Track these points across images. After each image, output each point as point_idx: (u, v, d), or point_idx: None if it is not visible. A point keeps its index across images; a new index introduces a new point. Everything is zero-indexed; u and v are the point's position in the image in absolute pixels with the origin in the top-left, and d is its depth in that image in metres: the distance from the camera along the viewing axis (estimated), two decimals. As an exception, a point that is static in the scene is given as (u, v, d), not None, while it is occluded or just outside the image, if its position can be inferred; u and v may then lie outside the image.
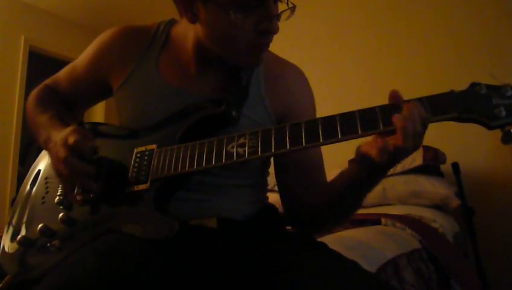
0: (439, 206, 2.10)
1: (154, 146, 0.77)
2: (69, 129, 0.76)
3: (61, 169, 0.73)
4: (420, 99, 0.60)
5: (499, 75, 0.62)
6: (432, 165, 2.23)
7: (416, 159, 2.18)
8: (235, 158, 0.68)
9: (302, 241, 0.80)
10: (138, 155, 0.78)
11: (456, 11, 2.56)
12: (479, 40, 2.43)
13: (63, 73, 1.00)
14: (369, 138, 0.64)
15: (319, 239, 0.88)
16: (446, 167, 2.26)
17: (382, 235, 1.45)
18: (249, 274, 0.71)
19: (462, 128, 0.62)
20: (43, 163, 0.93)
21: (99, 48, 0.93)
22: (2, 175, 3.37)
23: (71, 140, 0.72)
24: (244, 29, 0.74)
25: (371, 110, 0.62)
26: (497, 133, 0.58)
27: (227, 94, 0.80)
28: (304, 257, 0.69)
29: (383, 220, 1.70)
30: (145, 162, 0.76)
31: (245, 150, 0.67)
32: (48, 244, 0.77)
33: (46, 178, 0.89)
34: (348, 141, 0.63)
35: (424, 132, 0.60)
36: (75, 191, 0.74)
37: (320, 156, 0.89)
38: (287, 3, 0.76)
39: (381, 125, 0.60)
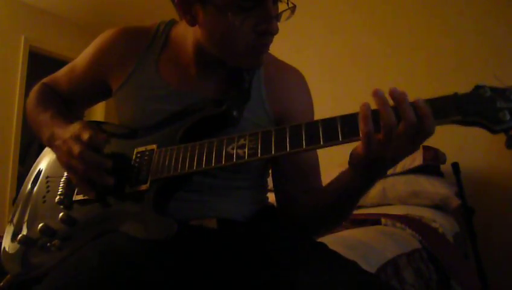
0: (439, 206, 2.10)
1: (154, 146, 0.77)
2: (78, 125, 0.76)
3: (75, 164, 0.73)
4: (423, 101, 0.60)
5: (503, 77, 0.61)
6: (432, 165, 2.22)
7: (416, 159, 2.18)
8: (234, 160, 0.68)
9: (302, 241, 0.79)
10: (138, 155, 0.78)
11: (458, 12, 2.55)
12: (482, 41, 2.43)
13: (61, 73, 0.99)
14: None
15: (319, 239, 0.88)
16: (446, 167, 2.26)
17: (382, 235, 1.45)
18: (249, 274, 0.71)
19: (462, 129, 0.61)
20: (44, 162, 0.93)
21: (99, 48, 0.93)
22: (2, 175, 3.37)
23: (85, 136, 0.73)
24: (243, 30, 0.73)
25: (372, 112, 0.61)
26: (498, 133, 0.58)
27: (228, 95, 0.80)
28: (304, 258, 0.69)
29: (383, 220, 1.70)
30: (145, 162, 0.76)
31: (245, 152, 0.67)
32: (48, 243, 0.77)
33: (47, 177, 0.89)
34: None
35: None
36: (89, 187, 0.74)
37: (317, 159, 0.89)
38: (287, 3, 0.75)
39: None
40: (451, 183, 2.16)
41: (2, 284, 0.80)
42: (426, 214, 1.92)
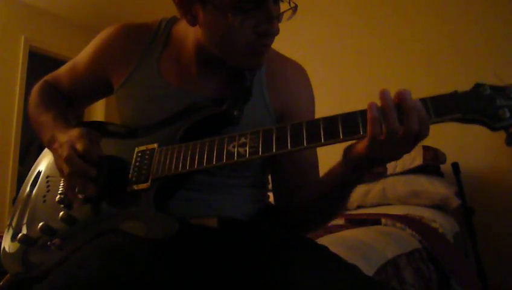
0: (439, 206, 2.10)
1: (155, 145, 0.77)
2: (76, 132, 0.76)
3: (63, 168, 0.73)
4: (423, 100, 0.60)
5: (503, 75, 0.61)
6: (432, 165, 2.23)
7: (416, 159, 2.18)
8: (235, 158, 0.68)
9: (303, 241, 0.79)
10: (139, 154, 0.78)
11: (458, 11, 2.55)
12: (482, 40, 2.43)
13: (63, 70, 0.99)
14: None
15: (320, 240, 0.87)
16: (446, 167, 2.26)
17: (382, 235, 1.45)
18: (249, 274, 0.71)
19: (462, 129, 0.61)
20: (43, 163, 0.93)
21: (100, 45, 0.92)
22: (2, 175, 3.37)
23: (80, 146, 0.73)
24: (243, 31, 0.73)
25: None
26: (498, 133, 0.58)
27: (229, 94, 0.80)
28: (304, 258, 0.69)
29: (383, 220, 1.70)
30: (146, 161, 0.76)
31: (246, 150, 0.67)
32: (49, 243, 0.76)
33: (47, 177, 0.89)
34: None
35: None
36: (76, 190, 0.74)
37: (317, 158, 0.89)
38: (289, 3, 0.75)
39: (383, 125, 0.60)
40: (451, 183, 2.16)
41: (1, 283, 0.80)
42: (426, 214, 1.92)
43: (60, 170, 0.76)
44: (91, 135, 0.77)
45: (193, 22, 0.77)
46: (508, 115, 0.56)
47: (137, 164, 0.77)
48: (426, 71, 2.58)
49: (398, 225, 1.66)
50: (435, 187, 2.11)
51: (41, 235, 0.78)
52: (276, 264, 0.69)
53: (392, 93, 0.60)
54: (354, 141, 0.64)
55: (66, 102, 0.97)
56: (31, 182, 0.92)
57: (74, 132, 0.76)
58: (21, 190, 0.93)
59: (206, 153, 0.71)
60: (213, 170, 0.78)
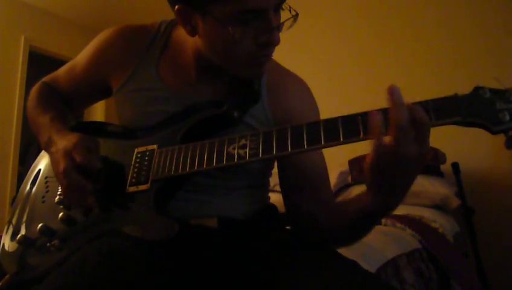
0: (439, 206, 2.10)
1: (154, 146, 0.77)
2: (74, 139, 0.75)
3: (61, 179, 0.74)
4: (424, 103, 0.60)
5: (503, 77, 0.61)
6: (432, 165, 2.23)
7: (416, 159, 2.17)
8: (236, 160, 0.68)
9: (302, 241, 0.79)
10: (139, 155, 0.78)
11: (459, 14, 2.56)
12: (482, 43, 2.43)
13: (62, 71, 0.99)
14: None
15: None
16: (446, 167, 2.26)
17: (382, 235, 1.45)
18: (249, 274, 0.71)
19: (462, 129, 0.61)
20: (43, 162, 0.93)
21: (99, 47, 0.92)
22: (2, 175, 3.37)
23: (78, 159, 0.72)
24: (244, 43, 0.72)
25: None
26: (497, 134, 0.58)
27: (231, 96, 0.79)
28: (304, 257, 0.69)
29: (383, 220, 1.70)
30: (145, 163, 0.76)
31: (246, 152, 0.67)
32: (48, 244, 0.76)
33: (46, 177, 0.89)
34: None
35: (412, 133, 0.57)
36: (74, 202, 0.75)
37: (326, 169, 0.86)
38: (290, 11, 0.73)
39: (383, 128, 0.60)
40: (451, 183, 2.16)
41: (1, 284, 0.80)
42: (426, 214, 1.93)
43: (57, 177, 0.75)
44: (89, 142, 0.76)
45: (193, 33, 0.76)
46: (507, 118, 0.56)
47: (136, 165, 0.77)
48: (427, 73, 2.59)
49: (398, 225, 1.66)
50: (435, 187, 2.11)
51: (40, 236, 0.78)
52: (275, 263, 0.69)
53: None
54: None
55: (65, 103, 0.97)
56: (31, 180, 0.92)
57: (72, 138, 0.76)
58: (21, 188, 0.93)
59: (206, 154, 0.70)
60: (213, 172, 0.78)
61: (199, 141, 0.73)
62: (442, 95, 0.60)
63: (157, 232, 0.68)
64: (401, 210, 1.94)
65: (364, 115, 0.61)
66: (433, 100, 0.60)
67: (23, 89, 3.55)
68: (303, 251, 0.72)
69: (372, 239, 1.35)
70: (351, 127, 0.62)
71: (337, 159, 2.24)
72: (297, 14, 0.73)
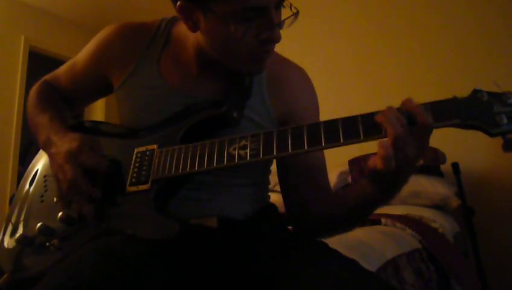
0: (439, 206, 2.10)
1: (154, 146, 0.77)
2: (75, 142, 0.75)
3: (63, 183, 0.74)
4: (424, 105, 0.60)
5: (501, 80, 0.61)
6: (432, 165, 2.23)
7: (416, 159, 2.17)
8: (236, 160, 0.68)
9: (303, 240, 0.79)
10: (139, 155, 0.78)
11: (459, 16, 2.56)
12: (482, 44, 2.44)
13: (62, 69, 0.99)
14: (372, 145, 0.63)
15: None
16: (446, 167, 2.26)
17: (382, 235, 1.45)
18: (249, 274, 0.71)
19: (462, 129, 0.62)
20: (41, 162, 0.93)
21: (100, 45, 0.92)
22: (2, 175, 3.37)
23: (86, 161, 0.73)
24: (245, 40, 0.72)
25: (373, 114, 0.62)
26: (495, 137, 0.59)
27: (228, 95, 0.80)
28: (304, 256, 0.69)
29: (383, 220, 1.70)
30: (145, 162, 0.76)
31: (247, 152, 0.67)
32: (47, 243, 0.76)
33: (44, 176, 0.89)
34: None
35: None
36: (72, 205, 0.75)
37: (324, 159, 0.88)
38: (290, 8, 0.74)
39: (383, 130, 0.60)
40: (451, 183, 2.16)
41: None
42: (426, 214, 1.92)
43: (56, 179, 0.76)
44: (92, 142, 0.77)
45: (194, 29, 0.77)
46: (505, 121, 0.57)
47: (136, 164, 0.77)
48: (427, 75, 2.59)
49: (398, 225, 1.66)
50: (435, 187, 2.11)
51: (39, 235, 0.78)
52: (275, 263, 0.69)
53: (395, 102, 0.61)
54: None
55: (65, 102, 0.97)
56: (29, 180, 0.92)
57: (73, 139, 0.76)
58: (19, 188, 0.93)
59: (206, 155, 0.71)
60: (213, 171, 0.78)
61: (199, 140, 0.73)
62: (442, 96, 0.61)
63: (157, 232, 0.68)
64: (401, 210, 1.94)
65: (365, 117, 0.62)
66: (433, 103, 0.60)
67: (23, 89, 3.56)
68: (303, 251, 0.72)
69: (372, 239, 1.36)
70: (351, 128, 0.62)
71: (337, 159, 2.23)
72: (298, 12, 0.74)
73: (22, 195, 0.90)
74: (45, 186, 0.87)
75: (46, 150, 0.82)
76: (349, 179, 2.43)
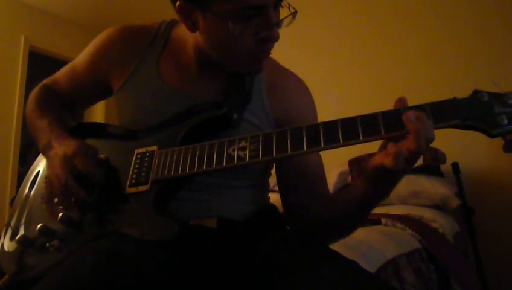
0: (439, 206, 2.10)
1: (154, 147, 0.77)
2: (73, 148, 0.76)
3: (55, 182, 0.75)
4: (423, 106, 0.60)
5: (501, 81, 0.61)
6: (432, 165, 2.23)
7: (416, 159, 2.17)
8: (235, 162, 0.68)
9: (302, 241, 0.79)
10: (138, 156, 0.78)
11: (459, 17, 2.56)
12: (482, 46, 2.43)
13: (62, 73, 0.99)
14: (371, 145, 0.64)
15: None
16: (446, 167, 2.26)
17: (382, 235, 1.45)
18: (249, 274, 0.71)
19: (462, 129, 0.62)
20: (42, 164, 0.93)
21: (99, 47, 0.92)
22: (2, 175, 3.37)
23: (79, 165, 0.73)
24: (243, 39, 0.72)
25: (373, 115, 0.62)
26: (495, 138, 0.58)
27: (228, 96, 0.80)
28: (304, 257, 0.69)
29: (383, 220, 1.70)
30: (145, 164, 0.76)
31: (246, 154, 0.67)
32: (47, 244, 0.77)
33: (46, 178, 0.89)
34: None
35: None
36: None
37: (322, 166, 0.88)
38: (289, 8, 0.74)
39: (382, 131, 0.60)
40: (451, 183, 2.16)
41: (0, 284, 0.80)
42: (426, 214, 1.92)
43: (52, 179, 0.76)
44: (88, 148, 0.77)
45: (193, 28, 0.77)
46: (505, 121, 0.57)
47: (136, 166, 0.77)
48: (428, 76, 2.59)
49: (398, 225, 1.66)
50: (435, 187, 2.11)
51: (40, 236, 0.78)
52: (275, 264, 0.69)
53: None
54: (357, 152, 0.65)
55: (65, 105, 0.97)
56: (29, 182, 0.92)
57: (70, 145, 0.76)
58: (20, 190, 0.93)
59: (206, 156, 0.71)
60: (213, 172, 0.78)
61: (199, 142, 0.73)
62: (442, 97, 0.61)
63: (156, 233, 0.68)
64: (401, 210, 1.94)
65: (365, 118, 0.62)
66: (433, 103, 0.60)
67: (23, 89, 3.56)
68: (303, 251, 0.72)
69: (372, 239, 1.35)
70: (350, 129, 0.62)
71: (337, 159, 2.23)
72: (296, 11, 0.74)
73: (23, 197, 0.90)
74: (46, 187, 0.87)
75: (45, 153, 0.82)
76: (349, 179, 2.43)
